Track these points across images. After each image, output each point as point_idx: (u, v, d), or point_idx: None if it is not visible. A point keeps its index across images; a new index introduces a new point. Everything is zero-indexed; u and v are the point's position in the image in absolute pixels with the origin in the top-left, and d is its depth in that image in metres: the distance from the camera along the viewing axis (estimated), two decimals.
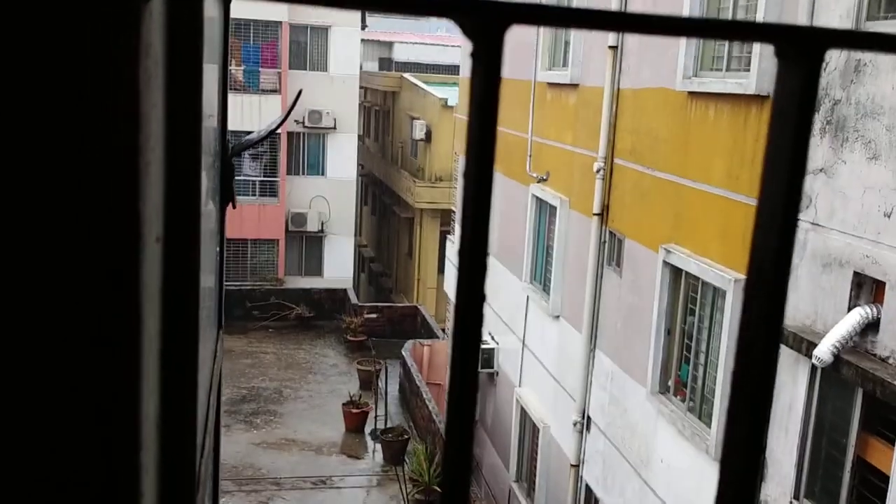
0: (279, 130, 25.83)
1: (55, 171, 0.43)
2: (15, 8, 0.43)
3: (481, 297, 0.51)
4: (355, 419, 18.20)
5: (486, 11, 0.45)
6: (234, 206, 1.62)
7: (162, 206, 0.59)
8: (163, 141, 0.58)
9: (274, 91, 26.13)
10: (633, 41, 10.15)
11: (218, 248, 1.56)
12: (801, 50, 0.49)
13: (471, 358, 0.51)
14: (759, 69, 7.47)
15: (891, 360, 5.92)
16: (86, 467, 0.46)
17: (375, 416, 18.07)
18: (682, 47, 8.77)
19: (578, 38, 11.59)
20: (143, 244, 0.48)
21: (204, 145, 1.32)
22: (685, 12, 8.69)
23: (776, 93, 0.50)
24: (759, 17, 7.49)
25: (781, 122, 0.50)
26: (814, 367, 6.57)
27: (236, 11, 26.43)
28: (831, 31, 0.50)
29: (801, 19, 6.89)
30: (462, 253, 0.53)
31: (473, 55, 0.48)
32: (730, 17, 8.22)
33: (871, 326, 6.10)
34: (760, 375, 0.53)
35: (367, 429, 18.25)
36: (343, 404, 18.45)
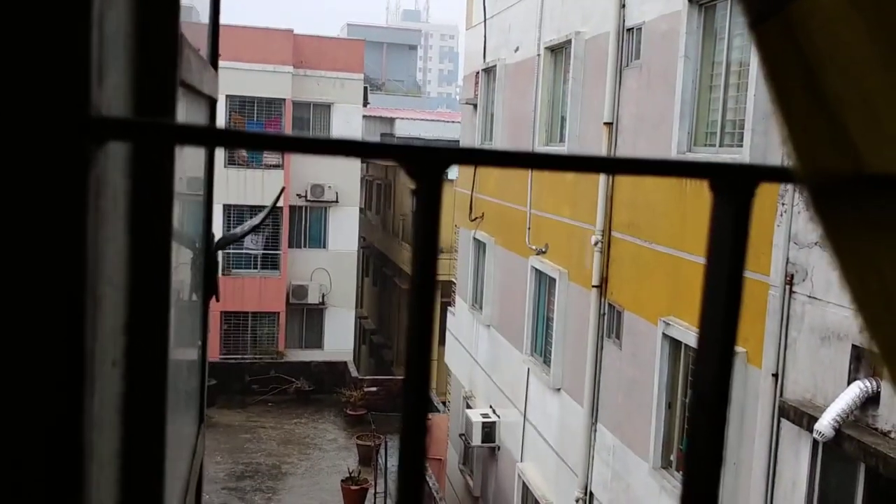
0: (280, 203, 26.05)
1: None
2: None
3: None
4: (354, 496, 17.87)
5: (426, 155, 0.48)
6: (217, 300, 1.64)
7: (122, 331, 0.61)
8: (126, 266, 0.60)
9: (276, 166, 26.45)
10: (627, 118, 10.32)
11: (200, 342, 1.57)
12: (734, 185, 0.51)
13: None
14: (751, 144, 7.58)
15: (892, 435, 5.85)
16: None
17: (375, 493, 17.75)
18: (676, 122, 8.92)
19: (575, 115, 11.79)
20: (93, 372, 0.49)
21: (187, 241, 1.34)
22: (680, 65, 8.86)
23: (712, 224, 0.52)
24: (751, 95, 7.63)
25: (718, 252, 0.51)
26: (815, 442, 6.49)
27: (240, 89, 26.78)
28: (762, 166, 0.52)
29: None
30: (406, 376, 0.54)
31: (414, 192, 0.50)
32: (720, 111, 8.38)
33: (872, 400, 6.05)
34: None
35: None
36: (342, 481, 18.14)
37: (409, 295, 0.53)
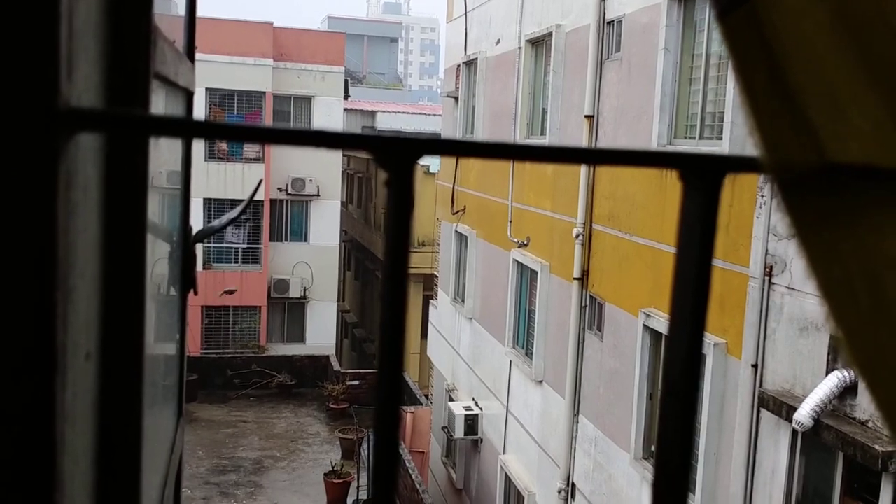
0: (261, 197, 25.94)
1: None
2: None
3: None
4: (337, 490, 17.86)
5: (397, 146, 0.48)
6: (195, 293, 1.63)
7: (96, 323, 0.61)
8: (97, 259, 0.60)
9: (257, 160, 26.32)
10: (608, 110, 10.35)
11: (179, 336, 1.56)
12: (703, 175, 0.51)
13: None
14: (731, 137, 7.62)
15: (870, 424, 5.93)
16: None
17: (358, 487, 17.76)
18: (657, 115, 8.96)
19: (556, 108, 11.81)
20: (65, 364, 0.49)
21: (164, 235, 1.34)
22: (660, 57, 8.90)
23: (682, 213, 0.53)
24: (730, 87, 7.68)
25: (687, 240, 0.52)
26: (795, 432, 6.56)
27: (220, 82, 26.58)
28: (731, 157, 0.52)
29: None
30: (380, 369, 0.55)
31: (387, 184, 0.50)
32: (700, 104, 8.42)
33: (850, 390, 6.12)
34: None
35: (350, 499, 17.91)
36: (325, 474, 18.13)
37: (381, 284, 0.53)
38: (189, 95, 1.51)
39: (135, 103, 0.69)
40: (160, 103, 1.04)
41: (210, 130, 0.45)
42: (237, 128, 0.46)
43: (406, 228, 0.50)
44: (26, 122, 0.42)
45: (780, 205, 0.50)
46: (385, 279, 0.51)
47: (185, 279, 1.51)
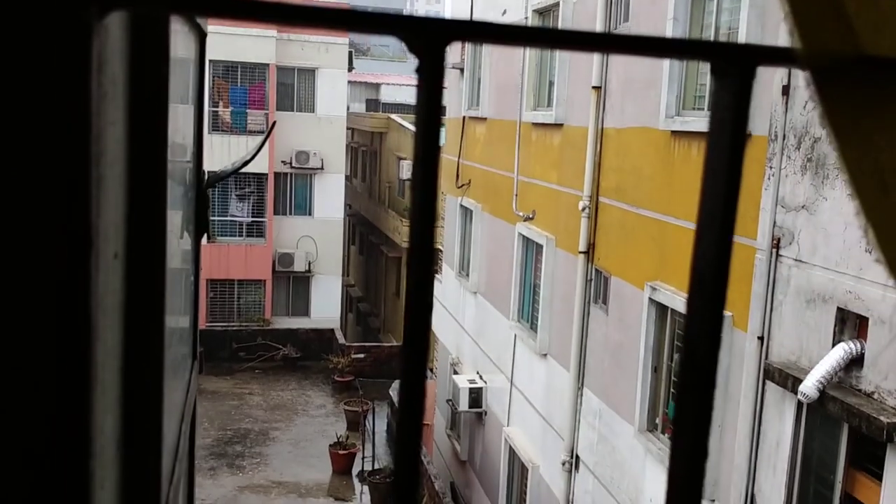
0: (266, 171, 25.92)
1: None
2: None
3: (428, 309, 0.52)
4: (343, 461, 18.01)
5: (429, 29, 0.47)
6: (209, 239, 1.63)
7: (123, 225, 0.61)
8: (124, 158, 0.60)
9: (261, 132, 26.25)
10: (616, 82, 10.29)
11: (193, 278, 1.57)
12: (734, 66, 0.51)
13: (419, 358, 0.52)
14: None
15: (875, 396, 5.94)
16: (32, 479, 0.47)
17: (363, 458, 17.90)
18: (665, 87, 8.90)
19: (563, 79, 11.74)
20: (97, 258, 0.49)
21: (178, 177, 1.33)
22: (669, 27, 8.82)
23: (713, 107, 0.52)
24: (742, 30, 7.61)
25: (718, 134, 0.52)
26: (800, 404, 6.58)
27: (224, 54, 26.37)
28: (763, 47, 0.52)
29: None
30: (411, 252, 0.54)
31: (418, 70, 0.50)
32: (712, 35, 8.35)
33: (856, 362, 6.12)
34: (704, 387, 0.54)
35: (355, 470, 18.05)
36: (330, 446, 18.27)
37: (412, 177, 0.53)
38: (203, 37, 1.50)
39: None
40: (178, 41, 1.03)
41: (237, 8, 0.45)
42: (266, 5, 0.46)
43: (436, 114, 0.49)
44: None
45: (813, 94, 0.50)
46: (415, 170, 0.51)
47: (199, 222, 1.51)
